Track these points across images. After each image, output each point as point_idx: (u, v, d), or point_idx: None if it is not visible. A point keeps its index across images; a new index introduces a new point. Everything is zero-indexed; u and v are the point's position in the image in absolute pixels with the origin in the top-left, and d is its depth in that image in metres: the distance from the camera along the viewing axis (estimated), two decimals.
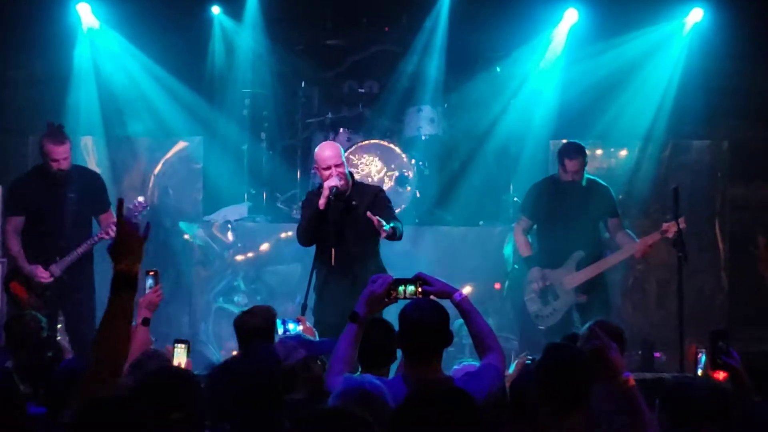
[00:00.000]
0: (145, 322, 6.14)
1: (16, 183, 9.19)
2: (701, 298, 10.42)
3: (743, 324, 10.46)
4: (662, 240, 8.99)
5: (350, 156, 10.34)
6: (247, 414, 4.48)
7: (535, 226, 9.40)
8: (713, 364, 5.34)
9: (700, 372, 6.18)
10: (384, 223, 7.53)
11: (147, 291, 6.34)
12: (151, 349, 5.73)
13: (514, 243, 9.88)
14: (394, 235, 7.71)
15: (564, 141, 11.01)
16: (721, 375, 5.22)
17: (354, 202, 7.84)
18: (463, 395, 3.61)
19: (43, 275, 8.73)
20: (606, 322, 5.85)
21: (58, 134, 8.76)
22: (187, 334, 9.89)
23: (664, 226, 8.88)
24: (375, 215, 7.57)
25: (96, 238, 8.79)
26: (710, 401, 4.19)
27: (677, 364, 8.70)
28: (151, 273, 6.37)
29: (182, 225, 10.82)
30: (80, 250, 8.77)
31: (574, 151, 9.08)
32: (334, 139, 10.55)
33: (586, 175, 9.10)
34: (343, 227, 7.80)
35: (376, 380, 4.48)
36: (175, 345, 5.94)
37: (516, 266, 10.24)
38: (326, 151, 7.87)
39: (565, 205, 9.09)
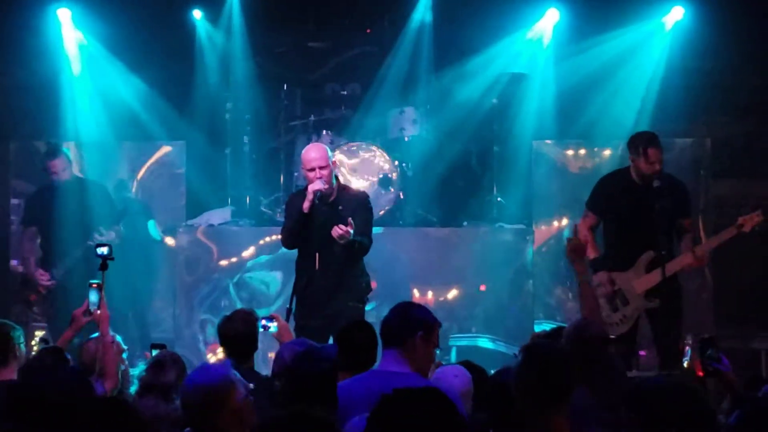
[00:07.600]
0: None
1: (31, 195, 10.06)
2: (686, 295, 10.39)
3: (727, 321, 10.48)
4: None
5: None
6: None
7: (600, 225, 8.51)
8: (704, 372, 5.35)
9: (686, 364, 6.21)
10: (351, 231, 7.56)
11: (92, 306, 6.35)
12: (168, 352, 5.91)
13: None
14: (352, 246, 7.73)
15: (547, 141, 11.07)
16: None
17: (340, 208, 7.83)
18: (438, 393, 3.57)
19: (42, 278, 9.20)
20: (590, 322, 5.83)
21: (50, 150, 9.55)
22: (171, 338, 9.90)
23: (740, 219, 8.19)
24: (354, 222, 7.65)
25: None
26: (678, 405, 4.11)
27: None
28: (95, 286, 6.41)
29: (166, 230, 10.79)
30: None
31: (656, 139, 8.16)
32: (317, 142, 10.54)
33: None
34: (328, 231, 7.77)
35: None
36: (152, 350, 6.00)
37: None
38: (311, 152, 7.88)
39: (639, 201, 8.18)
